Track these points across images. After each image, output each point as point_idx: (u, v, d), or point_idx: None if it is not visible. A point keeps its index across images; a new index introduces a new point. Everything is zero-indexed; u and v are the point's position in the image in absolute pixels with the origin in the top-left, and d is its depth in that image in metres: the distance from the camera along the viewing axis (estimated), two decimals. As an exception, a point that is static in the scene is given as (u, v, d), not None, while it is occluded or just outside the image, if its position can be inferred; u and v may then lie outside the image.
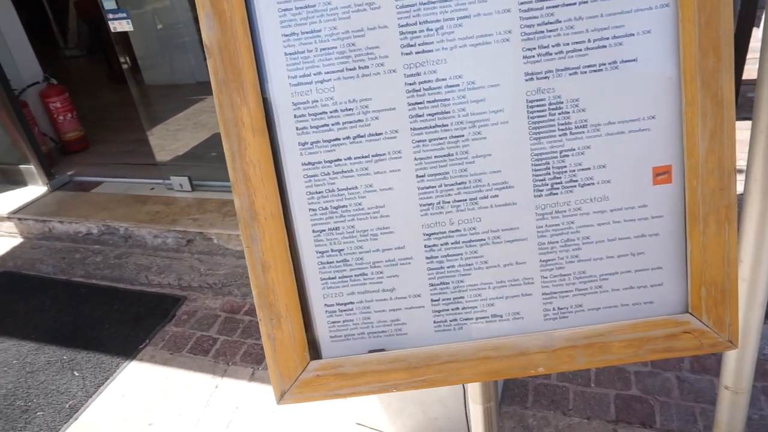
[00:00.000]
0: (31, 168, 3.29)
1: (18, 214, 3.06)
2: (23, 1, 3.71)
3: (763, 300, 0.92)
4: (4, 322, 2.43)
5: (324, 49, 0.65)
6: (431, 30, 0.64)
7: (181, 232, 2.68)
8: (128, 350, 2.17)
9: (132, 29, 2.56)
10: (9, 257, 2.94)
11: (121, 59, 2.98)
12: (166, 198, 2.97)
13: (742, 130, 0.79)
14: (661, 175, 0.67)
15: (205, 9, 0.63)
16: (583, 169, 0.67)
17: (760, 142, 0.75)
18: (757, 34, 3.44)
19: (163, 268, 2.63)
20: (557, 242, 0.69)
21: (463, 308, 0.72)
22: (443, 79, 0.65)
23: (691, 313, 0.69)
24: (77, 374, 2.08)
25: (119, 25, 2.53)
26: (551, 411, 1.63)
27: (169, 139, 3.35)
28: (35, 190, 3.31)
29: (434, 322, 0.72)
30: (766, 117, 0.79)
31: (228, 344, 2.13)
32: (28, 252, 2.96)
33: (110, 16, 2.52)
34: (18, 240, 3.09)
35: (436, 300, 0.72)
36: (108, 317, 2.38)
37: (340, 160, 0.68)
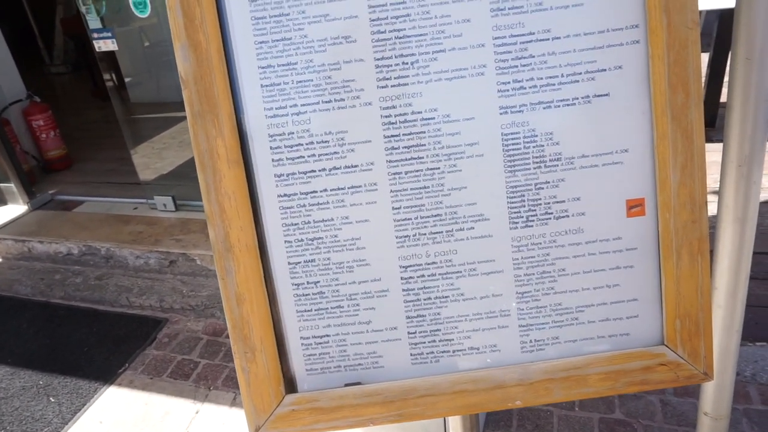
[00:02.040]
0: (11, 186, 3.24)
1: (-3, 234, 3.01)
2: (8, 17, 3.69)
3: (739, 326, 0.92)
4: (-22, 345, 2.36)
5: (300, 81, 0.65)
6: (407, 63, 0.65)
7: (164, 253, 2.64)
8: (107, 374, 2.12)
9: (117, 48, 2.56)
10: (-14, 278, 2.88)
11: (106, 76, 2.97)
12: (149, 218, 2.93)
13: (719, 153, 0.80)
14: (634, 207, 0.68)
15: (181, 40, 0.63)
16: (557, 202, 0.68)
17: (731, 171, 0.77)
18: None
19: (145, 289, 2.59)
20: (533, 274, 0.69)
21: (440, 341, 0.71)
22: (419, 112, 0.66)
23: (666, 345, 0.69)
24: (53, 400, 2.03)
25: (104, 44, 2.53)
26: (535, 436, 1.62)
27: (154, 157, 3.32)
28: (15, 209, 3.26)
29: (411, 354, 0.72)
30: (736, 146, 0.80)
31: (210, 368, 2.10)
32: (5, 272, 2.90)
33: (95, 35, 2.52)
34: (-4, 260, 3.03)
35: (413, 332, 0.71)
36: (87, 340, 2.33)
37: (316, 191, 0.67)
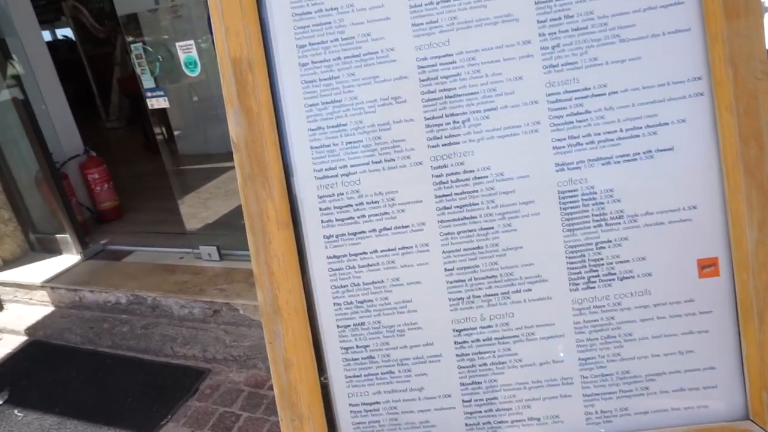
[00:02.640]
0: (66, 237, 3.38)
1: (51, 283, 3.12)
2: (70, 77, 3.96)
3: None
4: (29, 394, 2.41)
5: (350, 142, 0.65)
6: (458, 122, 0.63)
7: (208, 303, 2.67)
8: (149, 426, 2.11)
9: (168, 106, 2.68)
10: (39, 326, 2.96)
11: (157, 130, 3.10)
12: (194, 267, 2.99)
13: None
14: (707, 267, 0.63)
15: (234, 105, 0.64)
16: (621, 262, 0.64)
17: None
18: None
19: (189, 339, 2.61)
20: (597, 339, 0.65)
21: (497, 410, 0.67)
22: (471, 171, 0.64)
23: (752, 420, 0.63)
24: (97, 452, 2.03)
25: (157, 102, 2.66)
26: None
27: (199, 207, 3.42)
28: (69, 258, 3.39)
29: (466, 424, 0.67)
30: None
31: (251, 421, 2.06)
32: (58, 321, 2.99)
33: (149, 94, 2.65)
34: (49, 309, 3.13)
35: (468, 401, 0.67)
36: (131, 390, 2.35)
37: (366, 253, 0.66)
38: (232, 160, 0.65)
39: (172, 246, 3.25)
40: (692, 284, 0.63)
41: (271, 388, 2.22)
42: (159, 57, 2.58)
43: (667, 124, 0.62)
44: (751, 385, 0.62)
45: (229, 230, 3.13)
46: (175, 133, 3.25)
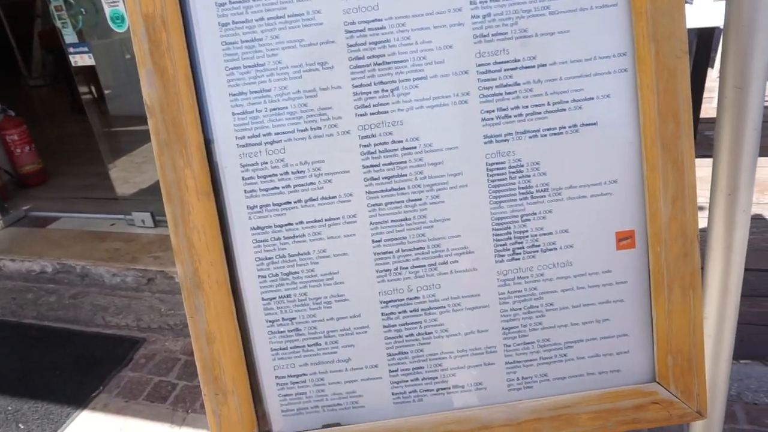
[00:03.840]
0: (-17, 202, 3.15)
1: (-33, 251, 2.91)
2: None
3: (729, 356, 0.90)
4: (-55, 369, 2.27)
5: (274, 109, 0.62)
6: (386, 91, 0.62)
7: (142, 271, 2.57)
8: (80, 398, 2.04)
9: (94, 63, 2.50)
10: (-45, 297, 2.77)
11: (83, 89, 2.90)
12: (126, 234, 2.86)
13: (702, 168, 0.78)
14: (624, 240, 0.65)
15: (146, 65, 0.60)
16: (545, 234, 0.65)
17: (720, 200, 0.75)
18: (711, 74, 3.57)
19: (122, 308, 2.52)
20: (520, 309, 0.66)
21: (423, 379, 0.68)
22: (399, 141, 0.62)
23: (658, 383, 0.67)
24: (22, 427, 1.94)
25: (80, 59, 2.47)
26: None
27: (132, 171, 3.25)
28: (-13, 225, 3.16)
29: (392, 393, 0.68)
30: (725, 175, 0.79)
31: (188, 390, 2.03)
32: (-24, 292, 2.80)
33: (71, 50, 2.46)
34: (-34, 278, 2.92)
35: (395, 371, 0.68)
36: (60, 362, 2.25)
37: (292, 224, 0.64)
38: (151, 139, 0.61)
39: (101, 212, 3.09)
40: (610, 256, 0.65)
41: (208, 357, 2.18)
42: (82, 9, 2.39)
43: (592, 99, 0.62)
44: (659, 351, 0.66)
45: (164, 196, 3.00)
46: (105, 92, 3.04)
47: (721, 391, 0.92)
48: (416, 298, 0.66)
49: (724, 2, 0.66)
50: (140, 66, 0.59)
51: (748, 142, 0.69)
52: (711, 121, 0.82)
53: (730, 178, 0.70)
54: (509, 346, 0.67)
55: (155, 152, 0.60)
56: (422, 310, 0.66)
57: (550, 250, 0.65)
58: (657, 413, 0.66)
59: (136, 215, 2.88)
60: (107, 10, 2.33)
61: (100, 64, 2.64)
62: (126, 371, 2.16)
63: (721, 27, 3.12)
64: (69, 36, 2.41)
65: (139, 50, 0.58)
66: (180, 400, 1.97)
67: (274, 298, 0.66)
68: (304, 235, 0.64)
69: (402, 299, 0.66)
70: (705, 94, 3.15)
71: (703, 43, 2.94)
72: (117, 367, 2.18)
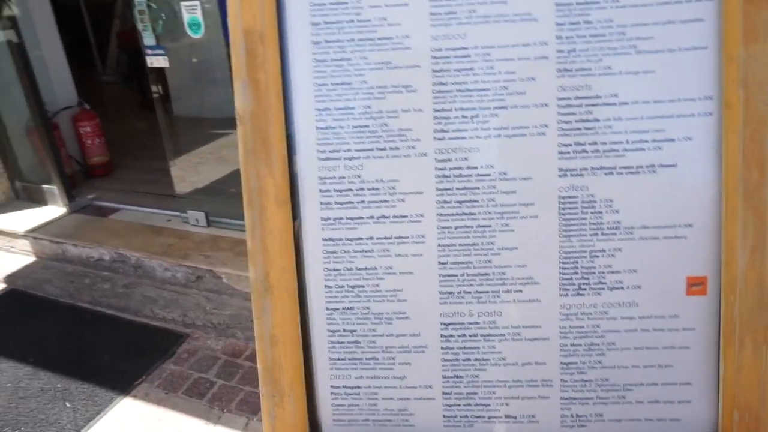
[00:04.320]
0: (53, 189, 3.34)
1: (34, 233, 3.08)
2: (67, 27, 3.86)
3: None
4: (4, 342, 2.40)
5: (356, 126, 0.64)
6: (466, 117, 0.63)
7: (192, 268, 2.66)
8: (123, 385, 2.12)
9: (168, 65, 2.63)
10: (19, 275, 2.94)
11: (153, 89, 3.05)
12: (180, 231, 2.97)
13: None
14: (695, 285, 0.64)
15: (241, 77, 0.63)
16: (612, 272, 0.64)
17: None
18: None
19: (170, 302, 2.61)
20: (580, 345, 0.66)
21: (476, 405, 0.68)
22: (474, 168, 0.64)
23: (721, 437, 0.64)
24: (69, 405, 2.03)
25: (156, 61, 2.61)
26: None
27: (191, 171, 3.38)
28: (54, 210, 3.35)
29: (444, 416, 0.68)
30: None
31: (225, 389, 2.07)
32: (38, 272, 2.96)
33: (148, 51, 2.60)
34: (31, 259, 3.10)
35: (448, 393, 0.68)
36: (108, 348, 2.35)
37: (362, 238, 0.66)
38: (227, 126, 0.65)
39: (160, 207, 3.22)
40: (679, 300, 0.64)
41: (247, 358, 2.23)
42: (162, 15, 2.53)
43: (673, 140, 0.62)
44: (724, 405, 0.64)
45: (218, 197, 3.11)
46: (172, 93, 3.19)
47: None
48: (476, 323, 0.66)
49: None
50: (236, 77, 0.63)
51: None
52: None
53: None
54: (566, 381, 0.67)
55: (241, 159, 0.64)
56: (481, 335, 0.67)
57: (617, 288, 0.65)
58: (717, 468, 0.64)
59: (191, 213, 2.99)
60: (186, 17, 2.46)
61: (171, 67, 2.78)
62: (168, 364, 2.23)
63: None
64: (148, 38, 2.55)
65: (237, 62, 0.62)
66: (217, 399, 2.02)
67: (338, 309, 0.68)
68: (372, 251, 0.66)
69: (462, 323, 0.67)
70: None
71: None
72: (161, 358, 2.25)
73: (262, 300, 0.66)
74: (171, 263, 2.71)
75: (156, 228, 3.04)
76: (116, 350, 2.32)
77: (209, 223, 2.98)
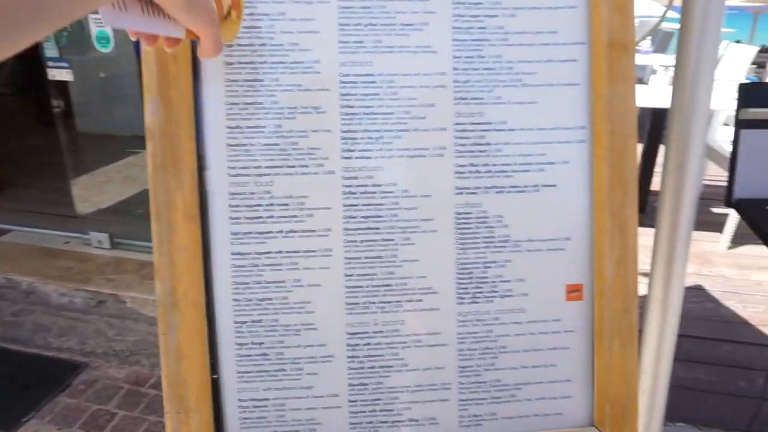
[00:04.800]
0: (-70, 207, 3.01)
1: None
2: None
3: (661, 410, 0.97)
4: None
5: (267, 144, 0.67)
6: (372, 138, 0.68)
7: (93, 292, 2.50)
8: (9, 424, 1.93)
9: (72, 79, 2.50)
10: None
11: (54, 103, 2.87)
12: (81, 254, 2.78)
13: (649, 236, 0.86)
14: (573, 292, 0.72)
15: (152, 93, 0.64)
16: (503, 281, 0.71)
17: (659, 268, 0.83)
18: (663, 150, 3.85)
19: (66, 329, 2.42)
20: (476, 349, 0.71)
21: (381, 410, 0.71)
22: (379, 185, 0.68)
23: (596, 427, 0.72)
24: (-58, 449, 1.82)
25: (59, 73, 2.47)
26: None
27: (94, 190, 3.20)
28: (-69, 231, 3.02)
29: (350, 423, 0.71)
30: (665, 241, 0.88)
31: (127, 421, 1.95)
32: None
33: (50, 63, 2.46)
34: None
35: (354, 401, 0.71)
36: (-9, 382, 2.14)
37: (271, 252, 0.68)
38: (135, 145, 0.65)
39: (57, 229, 3.01)
40: (560, 306, 0.72)
41: (152, 386, 2.12)
42: (68, 27, 2.41)
43: (553, 163, 0.70)
44: (597, 397, 0.72)
45: (124, 218, 2.95)
46: (76, 108, 3.02)
47: (654, 446, 0.98)
48: (381, 332, 0.70)
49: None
50: (146, 92, 0.63)
51: (686, 214, 0.78)
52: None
53: (670, 244, 0.79)
54: (463, 383, 0.72)
55: (150, 173, 0.64)
56: (385, 344, 0.70)
57: (507, 296, 0.71)
58: (594, 457, 0.71)
59: (93, 235, 2.82)
60: (93, 30, 2.36)
61: (76, 81, 2.64)
62: (62, 397, 2.06)
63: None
64: (51, 50, 2.42)
65: (148, 79, 0.63)
66: (118, 430, 1.90)
67: (246, 322, 0.69)
68: (281, 264, 0.68)
69: (367, 332, 0.70)
70: (656, 169, 3.39)
71: (657, 121, 3.19)
72: (53, 391, 2.08)
73: (168, 315, 0.66)
74: (69, 288, 2.53)
75: (53, 251, 2.83)
76: (0, 386, 2.12)
77: (113, 245, 2.82)
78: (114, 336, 2.39)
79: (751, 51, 4.27)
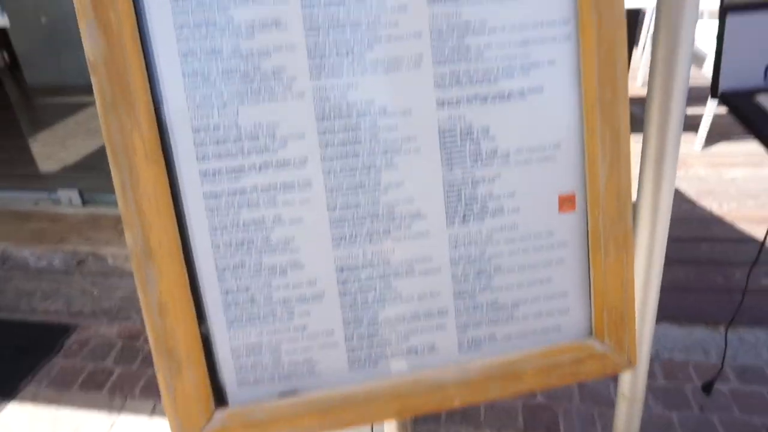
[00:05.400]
0: None
1: None
2: None
3: (653, 314, 0.98)
4: None
5: (226, 70, 0.60)
6: (341, 53, 0.61)
7: (71, 252, 2.44)
8: (7, 390, 1.92)
9: (8, 25, 2.30)
10: None
11: (-4, 57, 2.67)
12: (52, 214, 2.69)
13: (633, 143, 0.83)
14: (565, 202, 0.69)
15: (87, 17, 0.56)
16: (493, 198, 0.67)
17: (649, 171, 0.80)
18: (635, 53, 3.77)
19: (50, 293, 2.38)
20: (470, 272, 0.69)
21: (378, 344, 0.69)
22: (354, 105, 0.63)
23: (594, 337, 0.71)
24: (-59, 420, 1.81)
25: (-7, 22, 2.27)
26: (464, 426, 1.65)
27: (57, 146, 3.05)
28: None
29: (348, 360, 0.69)
30: (654, 142, 0.84)
31: (126, 376, 1.96)
32: None
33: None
34: None
35: (350, 337, 0.69)
36: (-20, 352, 2.11)
37: (246, 190, 0.63)
38: (94, 93, 0.58)
39: (24, 189, 2.88)
40: (553, 218, 0.69)
41: (147, 340, 2.11)
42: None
43: (538, 64, 0.65)
44: (595, 307, 0.71)
45: (93, 172, 2.84)
46: (22, 60, 2.80)
47: (646, 347, 1.00)
48: (371, 263, 0.67)
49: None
50: (80, 18, 0.55)
51: (675, 112, 0.74)
52: (634, 100, 0.87)
53: (659, 145, 0.75)
54: (460, 309, 0.70)
55: (100, 113, 0.57)
56: (377, 275, 0.67)
57: (498, 213, 0.68)
58: (593, 366, 0.71)
59: (62, 193, 2.71)
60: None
61: (14, 28, 2.44)
62: (57, 359, 2.05)
63: (645, 9, 3.29)
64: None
65: (80, 1, 0.55)
66: (117, 387, 1.91)
67: (229, 267, 0.65)
68: (258, 202, 0.63)
69: (357, 265, 0.67)
70: (629, 73, 3.33)
71: (630, 22, 3.10)
72: (48, 355, 2.07)
73: (144, 268, 0.61)
74: (45, 250, 2.46)
75: (22, 213, 2.73)
76: (-9, 353, 2.09)
77: (85, 202, 2.73)
78: (100, 294, 2.35)
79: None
